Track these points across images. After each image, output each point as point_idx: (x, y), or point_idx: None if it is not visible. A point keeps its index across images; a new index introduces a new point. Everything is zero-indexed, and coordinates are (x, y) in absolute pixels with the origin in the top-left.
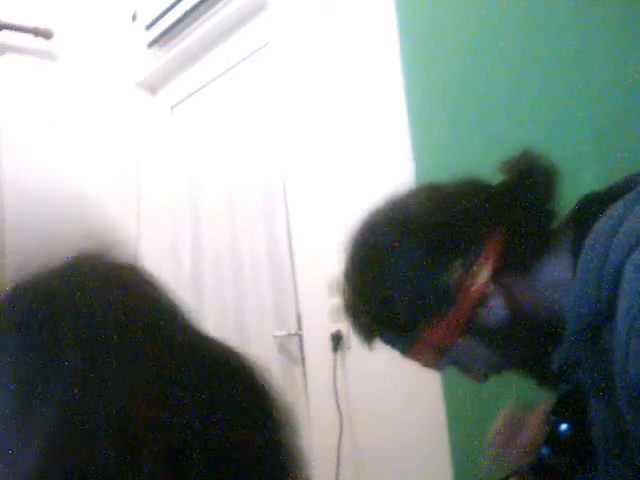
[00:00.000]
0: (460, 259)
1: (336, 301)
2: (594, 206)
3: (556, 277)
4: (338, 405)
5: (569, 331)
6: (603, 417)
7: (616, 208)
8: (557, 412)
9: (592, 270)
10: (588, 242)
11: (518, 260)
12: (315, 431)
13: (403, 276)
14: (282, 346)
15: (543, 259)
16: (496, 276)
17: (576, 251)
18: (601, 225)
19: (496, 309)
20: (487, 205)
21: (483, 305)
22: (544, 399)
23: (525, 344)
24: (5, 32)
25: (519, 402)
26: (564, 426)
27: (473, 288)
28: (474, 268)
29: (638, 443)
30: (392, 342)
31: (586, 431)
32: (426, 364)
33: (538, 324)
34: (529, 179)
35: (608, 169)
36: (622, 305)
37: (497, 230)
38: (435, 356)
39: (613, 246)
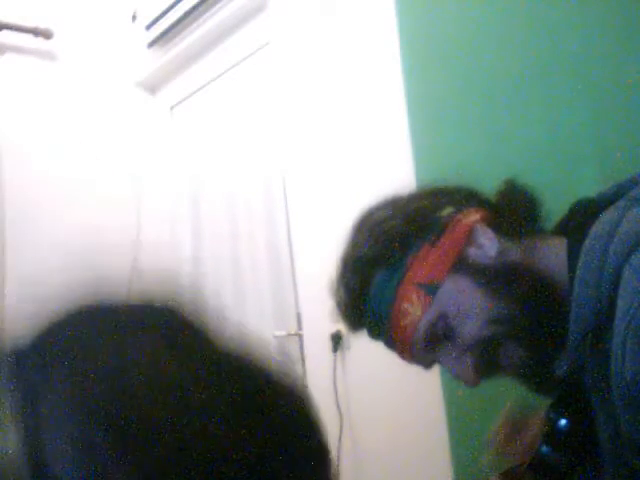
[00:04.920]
0: (451, 206)
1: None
2: (588, 211)
3: (551, 267)
4: (338, 405)
5: (571, 334)
6: (604, 419)
7: (610, 213)
8: (556, 409)
9: (592, 272)
10: (586, 245)
11: (510, 227)
12: None
13: (395, 210)
14: (282, 346)
15: (535, 256)
16: (488, 224)
17: (572, 254)
18: (597, 229)
19: (486, 248)
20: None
21: (472, 243)
22: (544, 400)
23: (518, 295)
24: (5, 32)
25: (519, 402)
26: (563, 422)
27: (463, 222)
28: (465, 210)
29: (635, 444)
30: (384, 284)
31: (586, 429)
32: (414, 316)
33: (532, 277)
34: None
35: (608, 169)
36: (620, 306)
37: (486, 204)
38: (425, 300)
39: (611, 249)
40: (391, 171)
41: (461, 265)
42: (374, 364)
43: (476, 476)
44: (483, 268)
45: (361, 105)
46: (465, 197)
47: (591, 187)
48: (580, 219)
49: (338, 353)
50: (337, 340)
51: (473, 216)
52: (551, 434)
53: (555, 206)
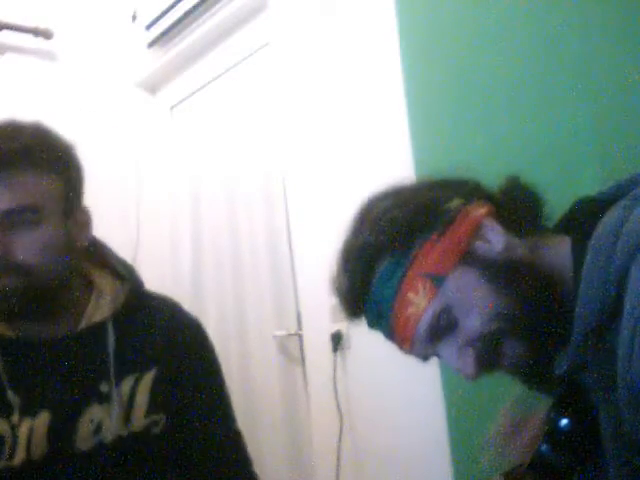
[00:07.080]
0: (459, 198)
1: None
2: (589, 210)
3: (555, 265)
4: (338, 405)
5: (575, 332)
6: (606, 418)
7: (615, 211)
8: (557, 408)
9: (597, 271)
10: (591, 244)
11: (513, 224)
12: (315, 431)
13: (401, 200)
14: (282, 346)
15: (538, 253)
16: (495, 217)
17: (577, 253)
18: (602, 228)
19: (494, 242)
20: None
21: (480, 237)
22: (544, 399)
23: (522, 292)
24: (5, 32)
25: (519, 402)
26: (564, 422)
27: (472, 215)
28: (473, 203)
29: (637, 443)
30: (389, 273)
31: (587, 428)
32: (419, 307)
33: (537, 274)
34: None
35: (608, 169)
36: (627, 306)
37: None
38: (430, 291)
39: (617, 247)
40: (391, 171)
41: (468, 258)
42: (374, 364)
43: (476, 476)
44: (489, 263)
45: (361, 105)
46: (471, 190)
47: (591, 187)
48: (582, 218)
49: (338, 353)
50: (337, 340)
51: (481, 209)
52: (552, 434)
53: (555, 205)
